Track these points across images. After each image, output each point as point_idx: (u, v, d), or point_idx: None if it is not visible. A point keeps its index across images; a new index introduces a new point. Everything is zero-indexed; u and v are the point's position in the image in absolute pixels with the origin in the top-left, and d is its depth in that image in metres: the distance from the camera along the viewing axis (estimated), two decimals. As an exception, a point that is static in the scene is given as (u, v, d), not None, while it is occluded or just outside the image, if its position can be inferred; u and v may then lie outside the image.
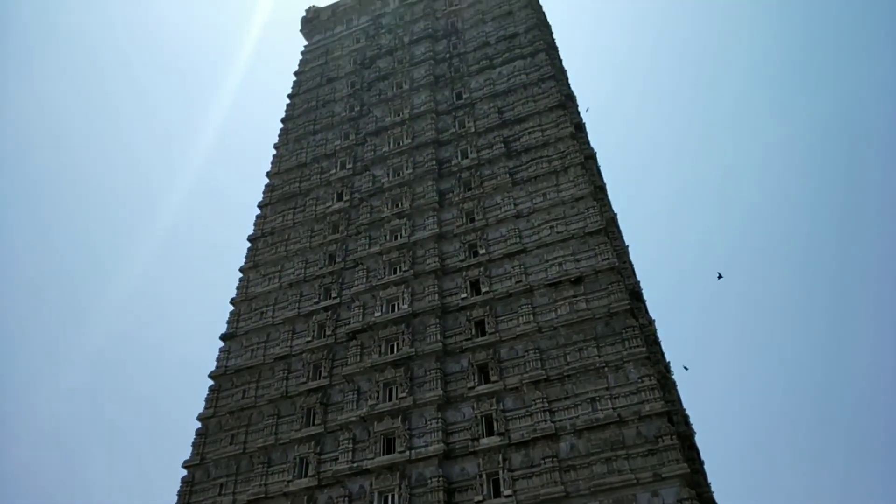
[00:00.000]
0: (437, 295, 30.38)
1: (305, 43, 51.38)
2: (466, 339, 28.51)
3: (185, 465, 30.62)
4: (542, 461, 23.72)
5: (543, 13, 47.30)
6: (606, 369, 25.24)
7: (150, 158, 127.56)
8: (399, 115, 39.93)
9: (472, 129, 36.76)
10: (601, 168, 36.85)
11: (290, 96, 47.06)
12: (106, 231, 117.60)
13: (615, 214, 34.28)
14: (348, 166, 39.49)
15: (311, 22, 51.71)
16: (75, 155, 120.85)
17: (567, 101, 37.04)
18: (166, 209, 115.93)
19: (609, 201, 34.81)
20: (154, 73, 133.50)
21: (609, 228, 30.89)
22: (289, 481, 27.73)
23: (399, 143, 38.39)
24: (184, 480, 30.19)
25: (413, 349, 28.80)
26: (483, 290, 29.85)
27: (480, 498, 23.82)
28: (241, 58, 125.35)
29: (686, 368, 30.65)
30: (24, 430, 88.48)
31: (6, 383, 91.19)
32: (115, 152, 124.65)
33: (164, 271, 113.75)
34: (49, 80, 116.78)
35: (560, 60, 43.22)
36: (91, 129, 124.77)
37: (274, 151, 43.92)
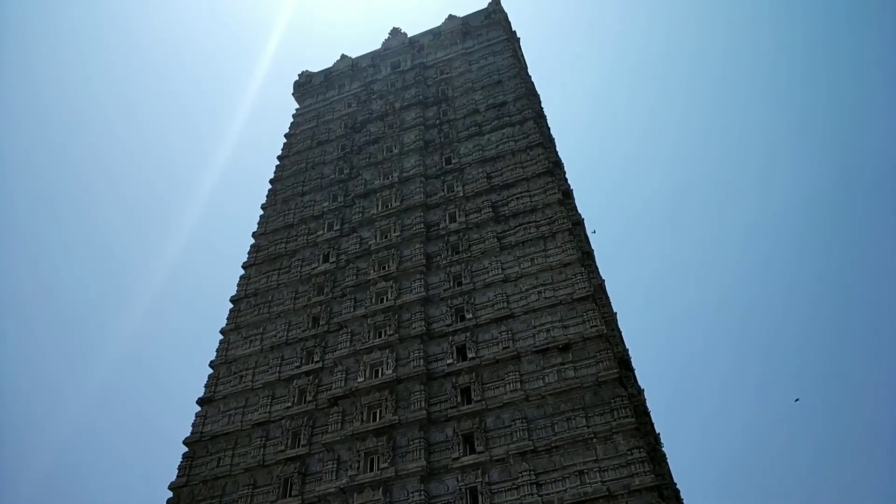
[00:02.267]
0: (422, 360, 29.73)
1: (297, 106, 52.21)
2: (452, 407, 27.72)
3: (153, 539, 29.01)
4: (529, 538, 22.64)
5: (532, 83, 48.62)
6: (595, 440, 24.51)
7: (143, 217, 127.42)
8: (388, 178, 40.19)
9: (461, 194, 36.98)
10: (589, 235, 36.98)
11: (279, 157, 47.40)
12: (88, 302, 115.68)
13: (603, 281, 34.18)
14: (335, 228, 39.39)
15: (304, 86, 52.71)
16: (64, 197, 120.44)
17: (554, 167, 37.53)
18: (150, 284, 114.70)
19: (597, 268, 34.78)
20: (147, 131, 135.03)
21: (597, 295, 30.71)
22: (262, 557, 26.23)
23: (387, 206, 38.46)
24: (150, 555, 28.51)
25: (396, 417, 27.91)
26: (469, 355, 29.27)
27: (464, 578, 22.58)
28: (235, 121, 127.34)
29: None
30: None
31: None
32: (110, 210, 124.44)
33: (148, 333, 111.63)
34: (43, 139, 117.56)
35: (548, 128, 44.11)
36: (79, 186, 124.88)
37: (261, 212, 43.84)
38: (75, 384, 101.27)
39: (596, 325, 27.92)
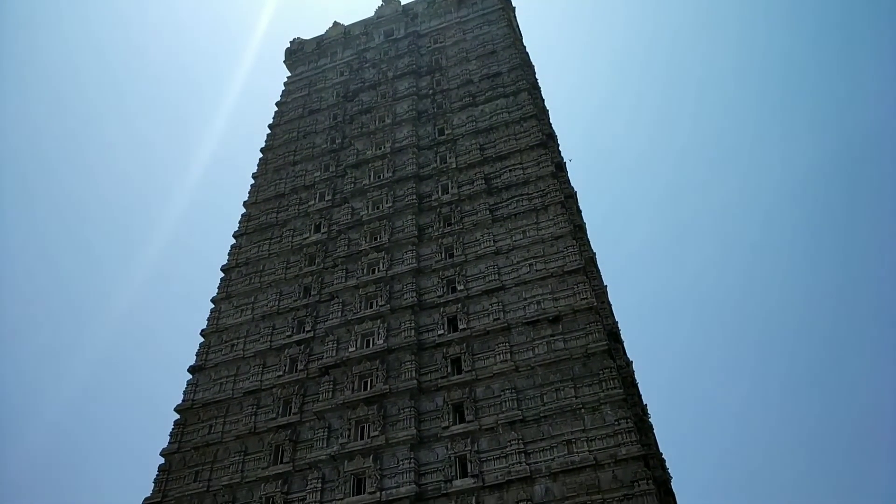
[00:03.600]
0: (413, 331, 29.89)
1: (289, 74, 51.49)
2: (442, 377, 27.97)
3: (146, 503, 29.32)
4: (517, 505, 23.07)
5: (526, 53, 48.10)
6: (583, 411, 24.85)
7: (138, 188, 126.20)
8: (380, 149, 39.90)
9: (454, 165, 36.80)
10: (581, 207, 37.02)
11: (270, 126, 46.90)
12: (92, 261, 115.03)
13: (594, 254, 34.32)
14: (327, 198, 39.19)
15: (296, 54, 51.92)
16: (63, 174, 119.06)
17: (548, 140, 37.35)
18: (147, 252, 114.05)
19: (588, 241, 34.89)
20: (141, 104, 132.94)
21: (588, 268, 30.84)
22: (253, 522, 26.62)
23: (380, 177, 38.25)
24: (142, 520, 28.87)
25: (387, 386, 28.15)
26: (460, 326, 29.44)
27: (452, 543, 23.03)
28: (230, 90, 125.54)
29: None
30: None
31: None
32: (105, 180, 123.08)
33: (142, 303, 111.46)
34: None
35: (542, 100, 43.79)
36: (76, 153, 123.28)
37: (252, 181, 43.52)
38: (72, 355, 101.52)
39: (586, 298, 28.09)
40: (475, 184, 35.27)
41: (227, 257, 39.01)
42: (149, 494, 29.54)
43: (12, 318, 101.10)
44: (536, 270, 30.05)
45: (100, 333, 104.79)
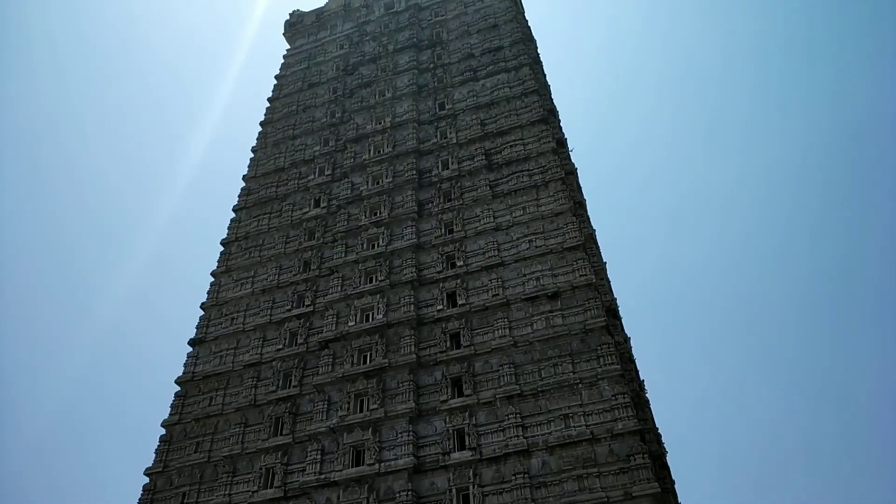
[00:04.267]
0: (412, 306, 30.02)
1: (288, 47, 50.94)
2: (441, 352, 28.18)
3: (147, 473, 29.74)
4: (514, 477, 23.40)
5: (529, 28, 47.54)
6: (580, 386, 25.09)
7: (145, 160, 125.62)
8: (380, 123, 39.66)
9: (454, 140, 36.63)
10: (581, 184, 36.93)
11: (270, 100, 46.54)
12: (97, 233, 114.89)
13: (594, 230, 34.33)
14: (327, 173, 39.07)
15: (295, 26, 51.32)
16: (69, 150, 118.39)
17: (549, 116, 37.13)
18: (151, 227, 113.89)
19: (588, 217, 34.87)
20: (141, 78, 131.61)
21: (587, 244, 30.89)
22: (254, 492, 27.02)
23: (379, 152, 38.09)
24: (145, 488, 29.31)
25: (386, 360, 28.37)
26: (459, 302, 29.57)
27: (450, 514, 23.41)
28: (231, 62, 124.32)
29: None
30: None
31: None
32: (108, 154, 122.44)
33: (147, 276, 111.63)
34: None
35: (544, 75, 43.41)
36: (89, 127, 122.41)
37: (251, 155, 43.33)
38: (80, 326, 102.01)
39: (585, 274, 28.18)
40: (475, 159, 35.15)
41: (227, 231, 39.02)
42: (150, 465, 29.92)
43: (18, 290, 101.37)
44: (536, 247, 30.10)
45: (105, 308, 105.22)
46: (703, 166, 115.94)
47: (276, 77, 48.26)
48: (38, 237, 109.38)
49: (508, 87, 38.11)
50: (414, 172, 35.86)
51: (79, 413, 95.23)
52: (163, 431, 31.05)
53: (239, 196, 40.86)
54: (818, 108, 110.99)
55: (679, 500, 27.14)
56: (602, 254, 34.22)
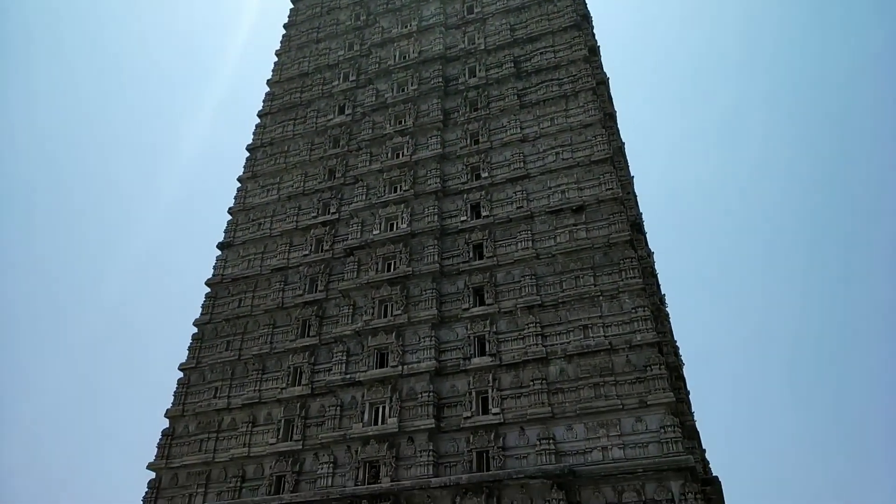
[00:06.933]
0: (436, 216, 30.15)
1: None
2: (464, 262, 28.52)
3: (181, 368, 31.27)
4: (531, 383, 24.23)
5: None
6: (601, 298, 25.39)
7: (178, 73, 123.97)
8: (406, 27, 38.39)
9: (482, 47, 35.44)
10: (612, 95, 35.83)
11: (293, 0, 45.05)
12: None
13: (623, 143, 33.62)
14: (351, 78, 38.31)
15: (318, -80, 48.73)
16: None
17: (583, 21, 35.51)
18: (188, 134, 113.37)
19: (618, 129, 34.07)
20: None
21: (616, 158, 30.35)
22: (282, 388, 28.39)
23: (405, 57, 37.08)
24: (179, 382, 30.90)
25: (410, 269, 28.84)
26: (483, 213, 29.60)
27: (469, 414, 24.48)
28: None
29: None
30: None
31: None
32: (143, 63, 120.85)
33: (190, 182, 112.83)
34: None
35: (578, -22, 41.11)
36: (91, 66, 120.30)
37: (275, 59, 42.48)
38: (124, 242, 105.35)
39: (612, 188, 27.86)
40: (504, 67, 34.10)
41: (252, 136, 38.93)
42: (184, 360, 31.42)
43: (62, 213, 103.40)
44: (563, 159, 29.65)
45: (151, 216, 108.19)
46: (743, 78, 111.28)
47: (299, -24, 46.39)
48: (78, 162, 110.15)
49: (541, -10, 36.28)
50: (440, 80, 35.00)
51: (123, 318, 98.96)
52: (195, 330, 32.35)
53: (264, 101, 40.44)
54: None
55: (693, 410, 27.98)
56: (630, 167, 33.68)
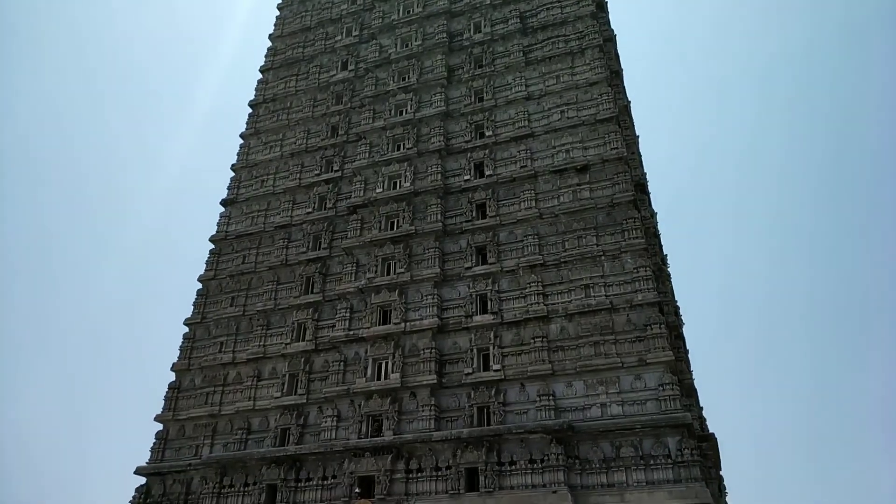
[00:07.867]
0: (439, 175, 30.07)
1: None
2: (466, 221, 28.57)
3: (187, 323, 31.67)
4: (532, 340, 24.57)
5: None
6: (603, 258, 25.52)
7: (190, 27, 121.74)
8: (411, -19, 37.52)
9: (488, 1, 34.74)
10: (619, 52, 35.26)
11: (294, -49, 43.92)
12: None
13: (629, 102, 33.26)
14: (354, 33, 37.68)
15: None
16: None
17: (590, -24, 34.68)
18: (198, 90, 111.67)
19: (624, 88, 33.65)
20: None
21: (621, 117, 30.07)
22: (287, 344, 28.81)
23: (409, 11, 36.40)
24: (185, 336, 31.34)
25: (413, 227, 28.92)
26: (487, 172, 29.49)
27: (470, 370, 24.90)
28: None
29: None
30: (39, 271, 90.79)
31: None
32: (157, 22, 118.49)
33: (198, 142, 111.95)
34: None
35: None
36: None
37: (277, 12, 41.72)
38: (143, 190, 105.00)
39: (616, 148, 27.70)
40: (509, 23, 33.50)
41: (254, 92, 38.52)
42: (189, 315, 31.79)
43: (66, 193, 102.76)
44: (568, 118, 29.40)
45: (162, 176, 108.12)
46: (748, 40, 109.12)
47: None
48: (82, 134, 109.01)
49: (549, -57, 35.34)
50: (444, 35, 34.44)
51: (131, 285, 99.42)
52: (199, 286, 32.63)
53: (265, 56, 39.89)
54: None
55: (691, 369, 28.39)
56: (635, 127, 33.38)
